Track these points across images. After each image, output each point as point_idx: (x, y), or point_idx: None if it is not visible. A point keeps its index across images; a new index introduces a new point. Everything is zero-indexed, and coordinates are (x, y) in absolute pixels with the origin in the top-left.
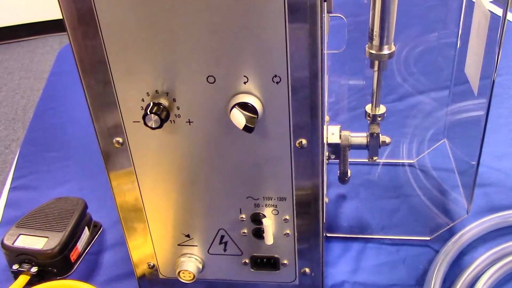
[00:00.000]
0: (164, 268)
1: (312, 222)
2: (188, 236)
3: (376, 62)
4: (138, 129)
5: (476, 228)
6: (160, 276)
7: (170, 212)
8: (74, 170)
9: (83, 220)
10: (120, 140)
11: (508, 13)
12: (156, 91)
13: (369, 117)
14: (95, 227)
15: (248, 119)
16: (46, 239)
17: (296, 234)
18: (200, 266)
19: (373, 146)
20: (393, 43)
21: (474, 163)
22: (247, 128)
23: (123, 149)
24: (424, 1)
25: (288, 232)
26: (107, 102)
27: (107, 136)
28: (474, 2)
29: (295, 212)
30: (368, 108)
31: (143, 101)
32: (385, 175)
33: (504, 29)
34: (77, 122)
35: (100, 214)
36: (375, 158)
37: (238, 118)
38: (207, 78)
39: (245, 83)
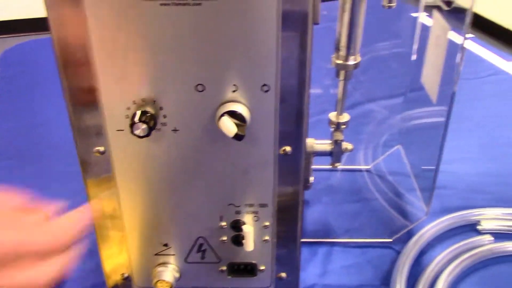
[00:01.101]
0: (139, 279)
1: (290, 228)
2: (166, 245)
3: (342, 72)
4: (122, 137)
5: (433, 228)
6: (134, 287)
7: (149, 221)
8: (31, 179)
9: None
10: (102, 149)
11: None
12: (143, 99)
13: (333, 124)
14: None
15: (238, 127)
16: None
17: (274, 240)
18: (177, 275)
19: (336, 153)
20: (359, 53)
21: (429, 167)
22: (237, 136)
23: (104, 158)
24: (377, 11)
25: (267, 238)
26: (90, 110)
27: (87, 145)
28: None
29: (275, 218)
30: (332, 116)
31: (129, 109)
32: (344, 181)
33: (464, 53)
34: (31, 129)
35: None
36: (337, 164)
37: (229, 126)
38: (196, 86)
39: (234, 91)
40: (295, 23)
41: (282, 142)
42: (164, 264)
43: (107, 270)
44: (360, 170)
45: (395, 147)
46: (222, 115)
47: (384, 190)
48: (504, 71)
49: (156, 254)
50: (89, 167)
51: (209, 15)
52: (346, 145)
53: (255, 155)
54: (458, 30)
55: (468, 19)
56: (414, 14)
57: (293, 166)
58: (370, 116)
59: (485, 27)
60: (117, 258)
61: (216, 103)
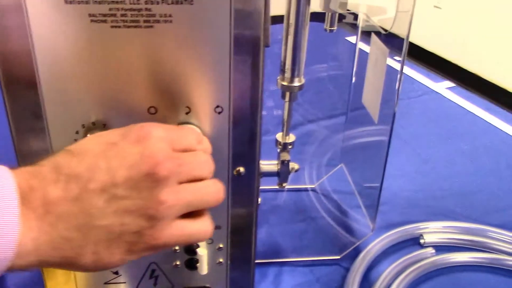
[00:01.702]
0: None
1: (245, 250)
2: (116, 273)
3: (288, 93)
4: None
5: (378, 244)
6: None
7: None
8: None
9: None
10: None
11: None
12: (93, 122)
13: (280, 145)
14: None
15: None
16: None
17: (228, 262)
18: None
19: (284, 173)
20: (303, 75)
21: (372, 184)
22: None
23: None
24: (316, 35)
25: (221, 260)
26: (36, 134)
27: None
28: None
29: (229, 240)
30: (279, 136)
31: (78, 133)
32: (290, 200)
33: (402, 78)
34: None
35: None
36: (284, 184)
37: None
38: (148, 109)
39: (187, 113)
40: (247, 46)
41: (235, 162)
42: None
43: None
44: (305, 190)
45: (338, 166)
46: None
47: (329, 208)
48: (434, 91)
49: (106, 283)
50: None
51: (161, 37)
52: (293, 165)
53: None
54: (393, 54)
55: (405, 44)
56: (349, 38)
57: (246, 187)
58: (312, 136)
59: (414, 52)
60: None
61: None
